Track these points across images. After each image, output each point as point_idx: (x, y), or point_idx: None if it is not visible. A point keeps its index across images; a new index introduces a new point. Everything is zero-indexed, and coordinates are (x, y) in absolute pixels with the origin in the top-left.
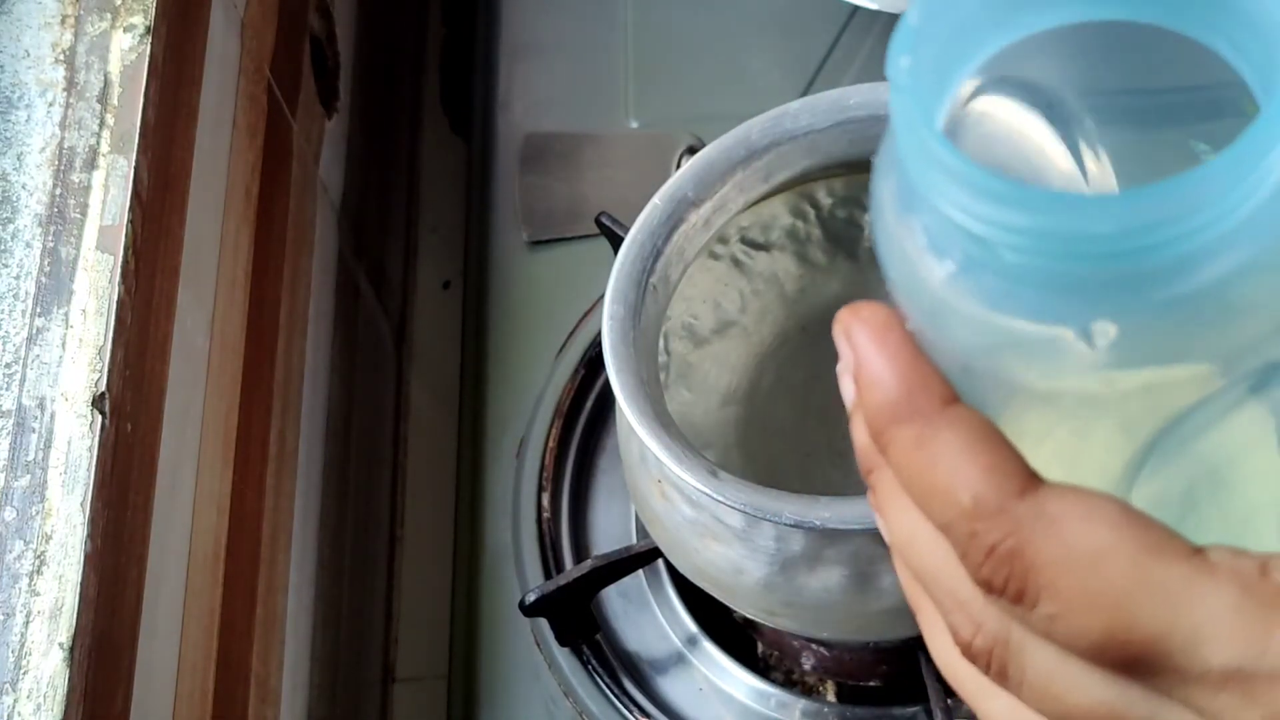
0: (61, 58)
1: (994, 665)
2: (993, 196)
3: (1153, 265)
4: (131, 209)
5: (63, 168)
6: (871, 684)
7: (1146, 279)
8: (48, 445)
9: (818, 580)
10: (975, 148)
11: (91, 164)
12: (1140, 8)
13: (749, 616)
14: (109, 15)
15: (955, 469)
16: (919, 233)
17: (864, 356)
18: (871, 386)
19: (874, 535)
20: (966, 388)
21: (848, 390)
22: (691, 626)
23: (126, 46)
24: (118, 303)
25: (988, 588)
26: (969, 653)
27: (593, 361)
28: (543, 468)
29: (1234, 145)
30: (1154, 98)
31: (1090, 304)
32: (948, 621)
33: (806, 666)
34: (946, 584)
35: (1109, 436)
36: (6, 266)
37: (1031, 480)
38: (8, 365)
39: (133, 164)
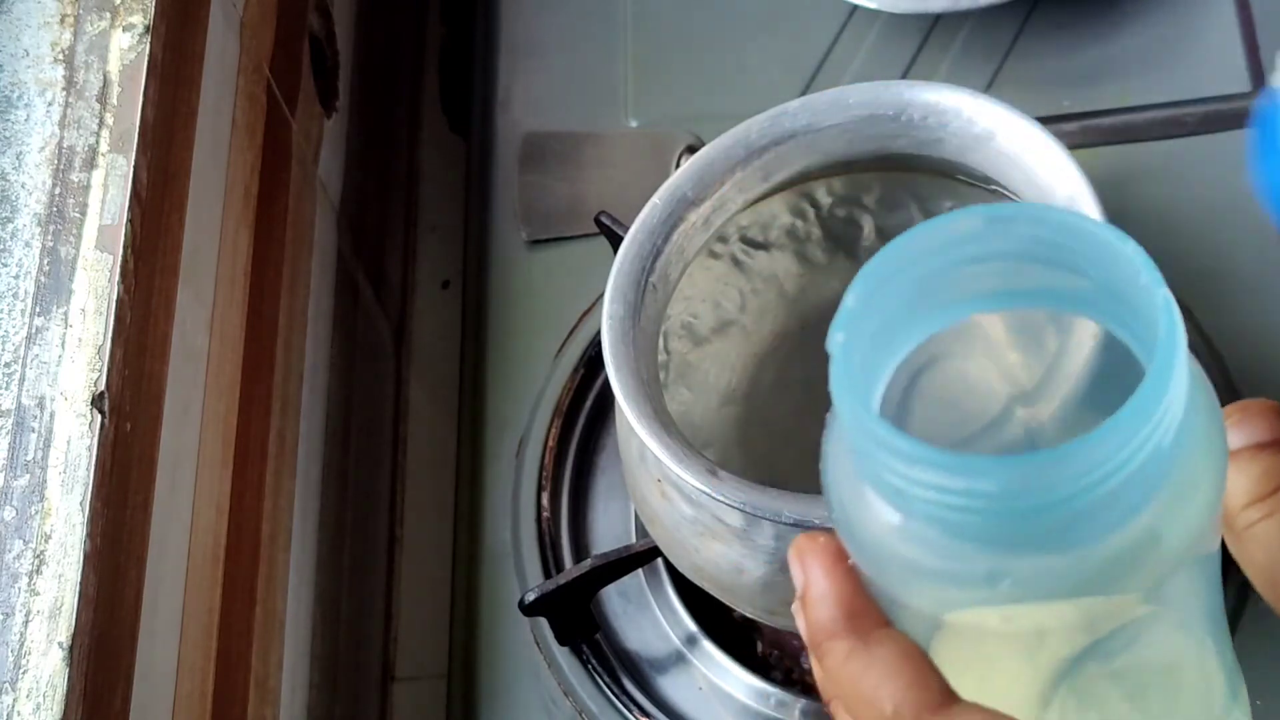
0: (61, 57)
1: None
2: (905, 458)
3: (1054, 520)
4: (131, 208)
5: (62, 167)
6: None
7: (1049, 530)
8: (47, 444)
9: None
10: (931, 394)
11: (91, 163)
12: (1041, 301)
13: (749, 616)
14: (108, 15)
15: (881, 681)
16: (857, 476)
17: (812, 578)
18: (815, 604)
19: None
20: (896, 617)
21: (798, 613)
22: (691, 626)
23: (125, 46)
24: (117, 302)
25: None
26: None
27: (592, 361)
28: (542, 467)
29: (1119, 413)
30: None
31: (998, 551)
32: None
33: (806, 666)
34: None
35: (1019, 665)
36: (6, 266)
37: (948, 697)
38: (7, 365)
39: (132, 163)
